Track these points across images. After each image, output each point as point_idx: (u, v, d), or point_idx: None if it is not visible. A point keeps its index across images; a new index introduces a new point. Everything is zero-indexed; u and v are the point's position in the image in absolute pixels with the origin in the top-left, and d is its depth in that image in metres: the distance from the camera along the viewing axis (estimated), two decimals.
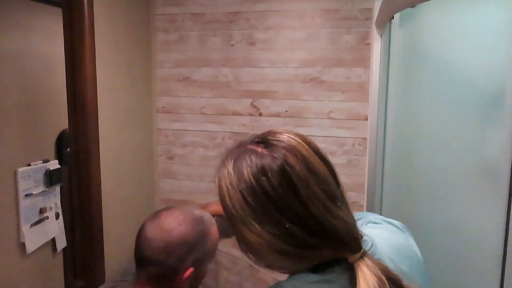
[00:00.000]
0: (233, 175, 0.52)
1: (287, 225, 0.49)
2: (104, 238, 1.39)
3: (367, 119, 1.59)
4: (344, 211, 0.52)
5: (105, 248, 1.40)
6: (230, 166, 0.53)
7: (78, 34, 1.25)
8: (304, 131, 1.65)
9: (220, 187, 0.55)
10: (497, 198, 0.77)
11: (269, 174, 0.49)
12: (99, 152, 1.35)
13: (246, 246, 0.55)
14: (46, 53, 1.35)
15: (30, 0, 1.27)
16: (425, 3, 0.88)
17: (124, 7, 1.55)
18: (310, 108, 1.65)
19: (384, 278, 0.49)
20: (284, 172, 0.49)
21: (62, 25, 1.26)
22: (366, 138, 1.58)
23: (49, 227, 1.36)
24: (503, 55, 0.79)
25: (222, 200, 0.54)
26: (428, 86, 1.10)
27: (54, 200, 1.39)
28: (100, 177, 1.35)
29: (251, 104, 1.72)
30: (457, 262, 0.95)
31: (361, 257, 0.50)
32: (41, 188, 1.32)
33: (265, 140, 0.54)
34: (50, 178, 1.34)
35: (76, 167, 1.31)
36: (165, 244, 0.79)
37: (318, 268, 0.52)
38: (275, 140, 0.53)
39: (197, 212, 0.87)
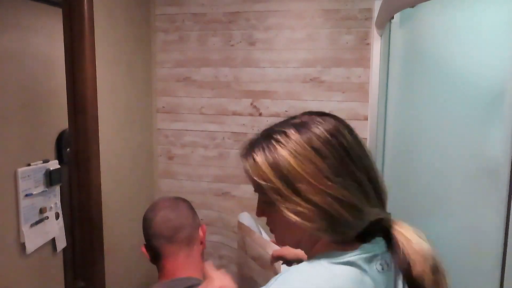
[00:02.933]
0: (300, 137, 0.56)
1: (357, 174, 0.55)
2: (104, 238, 1.39)
3: (367, 119, 1.59)
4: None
5: (105, 248, 1.40)
6: (291, 133, 0.57)
7: (78, 34, 1.25)
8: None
9: (278, 156, 0.55)
10: (497, 198, 0.76)
11: (342, 131, 0.59)
12: (99, 152, 1.35)
13: (315, 210, 0.53)
14: (46, 53, 1.35)
15: (30, 0, 1.27)
16: (425, 3, 0.88)
17: (124, 7, 1.55)
18: (310, 108, 1.64)
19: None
20: (352, 131, 0.61)
21: (62, 25, 1.27)
22: (366, 138, 1.58)
23: (49, 227, 1.36)
24: (503, 55, 0.79)
25: (282, 168, 0.55)
26: (428, 86, 1.09)
27: (54, 200, 1.39)
28: (100, 177, 1.35)
29: (251, 104, 1.72)
30: (457, 262, 0.95)
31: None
32: (41, 188, 1.32)
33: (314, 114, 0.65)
34: (50, 178, 1.34)
35: (76, 167, 1.31)
36: (181, 211, 0.98)
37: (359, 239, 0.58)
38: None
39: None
